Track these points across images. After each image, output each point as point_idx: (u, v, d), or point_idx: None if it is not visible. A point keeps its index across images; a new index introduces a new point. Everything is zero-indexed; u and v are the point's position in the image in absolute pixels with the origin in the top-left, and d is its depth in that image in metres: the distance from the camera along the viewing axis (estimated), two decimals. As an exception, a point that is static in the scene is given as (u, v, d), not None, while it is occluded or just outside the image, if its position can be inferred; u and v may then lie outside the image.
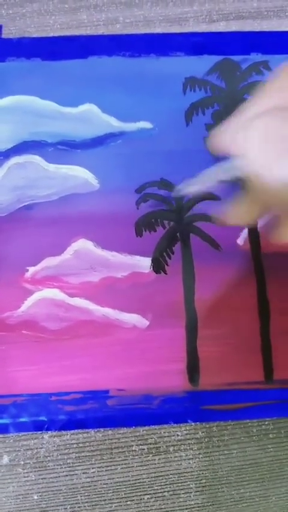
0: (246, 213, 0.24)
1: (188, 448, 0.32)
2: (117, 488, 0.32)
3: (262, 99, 0.21)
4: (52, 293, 0.34)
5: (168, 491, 0.32)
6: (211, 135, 0.23)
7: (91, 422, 0.32)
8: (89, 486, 0.32)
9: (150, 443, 0.32)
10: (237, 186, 0.24)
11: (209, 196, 0.36)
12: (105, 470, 0.32)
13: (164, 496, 0.32)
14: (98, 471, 0.32)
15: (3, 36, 0.39)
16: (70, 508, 0.32)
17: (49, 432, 0.32)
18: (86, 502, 0.32)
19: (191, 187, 0.24)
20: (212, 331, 0.34)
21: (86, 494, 0.32)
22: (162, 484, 0.32)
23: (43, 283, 0.34)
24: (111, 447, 0.32)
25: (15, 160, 0.36)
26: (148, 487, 0.32)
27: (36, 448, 0.32)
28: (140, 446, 0.32)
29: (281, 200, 0.19)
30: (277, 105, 0.20)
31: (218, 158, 0.24)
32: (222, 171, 0.22)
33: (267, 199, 0.20)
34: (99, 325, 0.33)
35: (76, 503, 0.32)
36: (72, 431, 0.32)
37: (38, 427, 0.32)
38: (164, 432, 0.33)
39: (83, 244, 0.35)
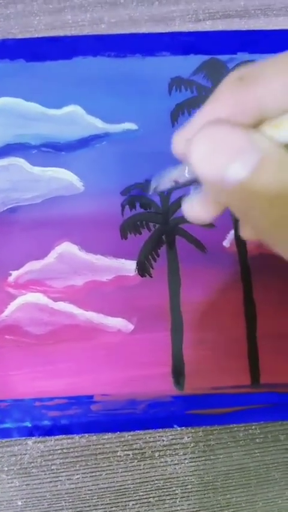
0: (202, 212, 0.24)
1: (174, 453, 0.32)
2: (102, 494, 0.32)
3: (210, 107, 0.21)
4: (36, 297, 0.33)
5: (153, 497, 0.32)
6: (173, 138, 0.23)
7: (75, 427, 0.32)
8: (74, 492, 0.32)
9: (136, 449, 0.32)
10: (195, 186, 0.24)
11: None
12: (90, 476, 0.32)
13: (150, 502, 0.32)
14: (82, 477, 0.32)
15: (-13, 37, 0.38)
16: (54, 514, 0.31)
17: (33, 438, 0.32)
18: (71, 508, 0.31)
19: (161, 186, 0.25)
20: (197, 335, 0.33)
21: (71, 500, 0.31)
22: (147, 490, 0.32)
23: (26, 287, 0.34)
24: (96, 453, 0.32)
25: (-2, 163, 0.35)
26: (133, 493, 0.32)
27: (20, 454, 0.32)
28: (125, 452, 0.32)
29: (233, 204, 0.19)
30: (228, 111, 0.20)
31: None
32: (182, 174, 0.23)
33: (220, 201, 0.21)
34: (84, 329, 0.33)
35: (60, 509, 0.31)
36: (56, 437, 0.32)
37: (22, 432, 0.32)
38: (150, 437, 0.32)
39: (67, 248, 0.34)
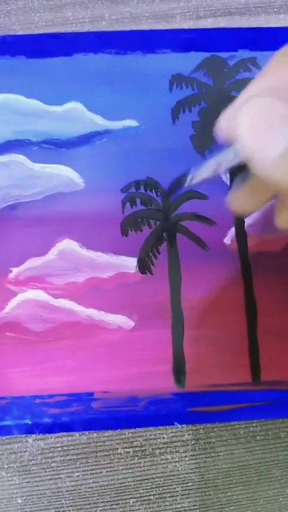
0: (250, 200, 0.24)
1: (174, 450, 0.32)
2: (102, 492, 0.31)
3: (259, 81, 0.21)
4: (36, 294, 0.33)
5: (154, 495, 0.32)
6: (217, 123, 0.23)
7: (76, 425, 0.32)
8: (74, 490, 0.31)
9: (136, 446, 0.32)
10: (241, 173, 0.24)
11: (196, 195, 0.35)
12: (90, 474, 0.32)
13: (150, 499, 0.32)
14: (82, 475, 0.32)
15: (-13, 34, 0.38)
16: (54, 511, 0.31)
17: (33, 435, 0.32)
18: (71, 506, 0.31)
19: (199, 176, 0.24)
20: (198, 332, 0.33)
21: (71, 498, 0.31)
22: (148, 487, 0.32)
23: (27, 284, 0.33)
24: (96, 450, 0.32)
25: (-2, 159, 0.35)
26: (134, 491, 0.32)
27: (20, 452, 0.32)
28: (126, 449, 0.32)
29: (278, 182, 0.19)
30: (274, 85, 0.20)
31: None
32: (224, 159, 0.22)
33: (266, 182, 0.20)
34: (84, 326, 0.33)
35: (61, 507, 0.31)
36: (56, 435, 0.32)
37: (22, 430, 0.32)
38: (150, 435, 0.32)
39: (67, 245, 0.34)
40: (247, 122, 0.18)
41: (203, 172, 0.24)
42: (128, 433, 0.32)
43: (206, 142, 0.36)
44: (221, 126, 0.22)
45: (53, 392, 0.32)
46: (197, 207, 0.35)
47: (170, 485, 0.32)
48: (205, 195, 0.35)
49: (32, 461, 0.32)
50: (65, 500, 0.31)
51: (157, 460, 0.32)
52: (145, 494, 0.32)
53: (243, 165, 0.22)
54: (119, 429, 0.32)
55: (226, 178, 0.35)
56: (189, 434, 0.32)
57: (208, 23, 0.39)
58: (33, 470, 0.32)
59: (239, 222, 0.35)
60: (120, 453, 0.32)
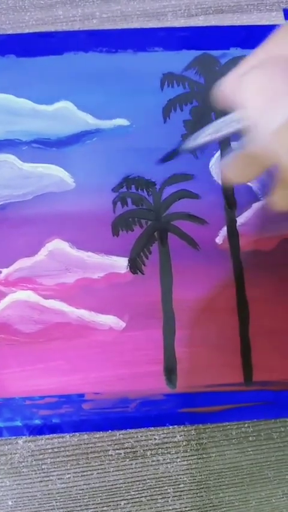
0: (245, 169, 0.23)
1: (166, 452, 0.32)
2: (93, 494, 0.31)
3: (262, 50, 0.21)
4: (26, 295, 0.33)
5: (145, 497, 0.31)
6: (215, 89, 0.22)
7: (66, 426, 0.32)
8: (65, 492, 0.31)
9: (127, 448, 0.32)
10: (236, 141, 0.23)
11: (188, 195, 0.35)
12: (81, 476, 0.31)
13: (141, 501, 0.31)
14: (73, 476, 0.31)
15: (-23, 33, 0.38)
16: (45, 514, 0.31)
17: (23, 437, 0.32)
18: (62, 508, 0.31)
19: (197, 140, 0.24)
20: (190, 332, 0.33)
21: (62, 500, 0.31)
22: (139, 489, 0.31)
23: (17, 285, 0.33)
24: (87, 452, 0.32)
25: (-12, 160, 0.35)
26: (125, 492, 0.31)
27: (11, 454, 0.31)
28: (117, 451, 0.32)
29: (276, 152, 0.19)
30: (278, 55, 0.19)
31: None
32: (224, 125, 0.22)
33: (264, 151, 0.20)
34: (75, 327, 0.33)
35: (51, 509, 0.31)
36: (47, 436, 0.32)
37: (12, 432, 0.31)
38: (141, 436, 0.32)
39: (58, 245, 0.34)
40: (252, 89, 0.18)
41: (200, 137, 0.23)
42: (119, 435, 0.32)
43: (197, 141, 0.36)
44: (222, 90, 0.22)
45: (44, 393, 0.32)
46: (189, 207, 0.35)
47: (162, 487, 0.31)
48: (197, 194, 0.35)
49: (23, 463, 0.31)
50: (56, 502, 0.31)
51: (148, 462, 0.32)
52: (136, 496, 0.31)
53: (240, 133, 0.21)
54: (110, 430, 0.32)
55: (218, 177, 0.35)
56: (181, 436, 0.32)
57: (200, 21, 0.39)
58: (23, 472, 0.31)
59: (230, 222, 0.35)
60: (112, 455, 0.32)
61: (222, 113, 0.35)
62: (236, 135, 0.23)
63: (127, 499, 0.31)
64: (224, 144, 0.36)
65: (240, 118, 0.21)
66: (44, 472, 0.31)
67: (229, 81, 0.21)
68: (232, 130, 0.21)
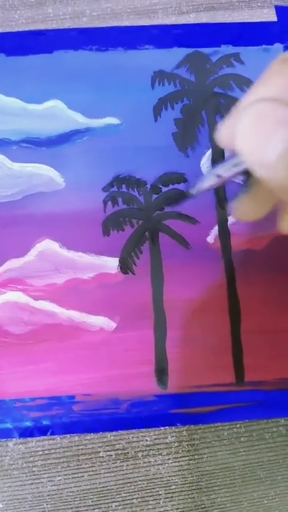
0: (253, 208, 0.24)
1: (157, 453, 0.32)
2: (84, 496, 0.31)
3: (255, 91, 0.21)
4: (15, 296, 0.33)
5: (136, 498, 0.31)
6: (216, 130, 0.23)
7: (57, 428, 0.31)
8: (55, 494, 0.31)
9: (118, 449, 0.32)
10: (243, 182, 0.24)
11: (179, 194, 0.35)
12: (72, 478, 0.31)
13: (133, 503, 0.31)
14: (64, 479, 0.31)
15: None
16: (36, 517, 0.31)
17: (14, 439, 0.31)
18: (52, 510, 0.31)
19: (202, 186, 0.24)
20: (181, 333, 0.33)
21: (52, 502, 0.31)
22: (130, 491, 0.31)
23: (6, 286, 0.33)
24: (78, 454, 0.31)
25: (-23, 159, 0.35)
26: (116, 494, 0.31)
27: (1, 456, 0.31)
28: (108, 453, 0.31)
29: (280, 185, 0.19)
30: (270, 92, 0.20)
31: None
32: (226, 170, 0.22)
33: (270, 188, 0.20)
34: (65, 328, 0.32)
35: (42, 511, 0.31)
36: (37, 438, 0.31)
37: (3, 434, 0.31)
38: (132, 437, 0.32)
39: (47, 245, 0.34)
40: (245, 127, 0.19)
41: (205, 182, 0.24)
42: (110, 436, 0.32)
43: (188, 139, 0.36)
44: (220, 134, 0.22)
45: (34, 395, 0.32)
46: (180, 206, 0.35)
47: (153, 489, 0.31)
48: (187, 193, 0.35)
49: (13, 466, 0.31)
50: (47, 504, 0.31)
51: (140, 463, 0.31)
52: (128, 498, 0.31)
53: (246, 174, 0.22)
54: (100, 432, 0.31)
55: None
56: (172, 437, 0.32)
57: (191, 19, 0.39)
58: (14, 474, 0.31)
59: (222, 221, 0.34)
60: (102, 456, 0.31)
61: (214, 112, 0.35)
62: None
63: (118, 501, 0.31)
64: (214, 142, 0.35)
65: (239, 162, 0.21)
66: (34, 475, 0.31)
67: (225, 126, 0.22)
68: (234, 173, 0.22)
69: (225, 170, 0.22)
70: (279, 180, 0.19)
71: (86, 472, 0.31)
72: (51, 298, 0.33)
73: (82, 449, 0.31)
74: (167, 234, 0.34)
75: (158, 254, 0.34)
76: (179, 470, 0.31)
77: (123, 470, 0.31)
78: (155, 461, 0.31)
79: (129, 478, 0.31)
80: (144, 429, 0.32)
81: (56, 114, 0.36)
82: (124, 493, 0.31)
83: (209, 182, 0.23)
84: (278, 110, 0.18)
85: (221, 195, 0.35)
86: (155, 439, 0.32)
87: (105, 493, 0.31)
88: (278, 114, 0.18)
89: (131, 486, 0.31)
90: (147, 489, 0.31)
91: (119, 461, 0.31)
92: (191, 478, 0.31)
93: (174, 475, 0.31)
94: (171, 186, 0.35)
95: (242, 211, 0.25)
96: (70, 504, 0.31)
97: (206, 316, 0.33)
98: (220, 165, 0.23)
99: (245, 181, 0.23)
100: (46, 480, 0.31)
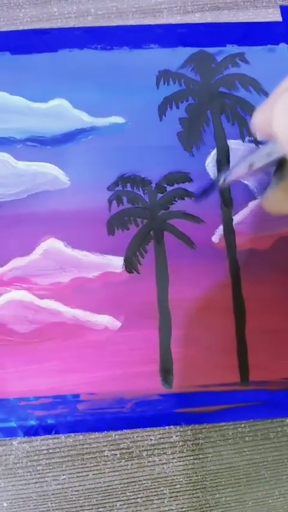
0: (286, 200, 0.23)
1: (162, 452, 0.32)
2: (88, 495, 0.31)
3: None
4: (20, 295, 0.33)
5: (141, 498, 0.31)
6: (251, 119, 0.22)
7: (62, 427, 0.31)
8: (60, 493, 0.31)
9: (123, 448, 0.32)
10: (276, 173, 0.23)
11: (183, 193, 0.35)
12: (76, 477, 0.31)
13: (137, 502, 0.31)
14: (68, 477, 0.31)
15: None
16: (40, 515, 0.31)
17: (18, 438, 0.31)
18: (57, 509, 0.31)
19: (231, 176, 0.23)
20: (186, 332, 0.33)
21: (57, 501, 0.31)
22: (135, 490, 0.31)
23: (11, 284, 0.33)
24: (83, 453, 0.31)
25: (-18, 158, 0.35)
26: (121, 493, 0.31)
27: (5, 455, 0.31)
28: (112, 452, 0.31)
29: None
30: None
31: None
32: (258, 159, 0.21)
33: None
34: (70, 327, 0.32)
35: (47, 510, 0.31)
36: (42, 437, 0.31)
37: (7, 433, 0.31)
38: (137, 436, 0.32)
39: (52, 244, 0.33)
40: (283, 115, 0.18)
41: (235, 171, 0.23)
42: (115, 435, 0.32)
43: (193, 139, 0.36)
44: (255, 122, 0.21)
45: (38, 394, 0.32)
46: (185, 205, 0.35)
47: (158, 488, 0.31)
48: (193, 193, 0.35)
49: (18, 464, 0.31)
50: (51, 503, 0.31)
51: (144, 462, 0.31)
52: (132, 497, 0.31)
53: (279, 164, 0.21)
54: (105, 431, 0.31)
55: (214, 176, 0.35)
56: (177, 436, 0.32)
57: (196, 18, 0.39)
58: (18, 473, 0.31)
59: (227, 220, 0.34)
60: (107, 455, 0.31)
61: (219, 111, 0.35)
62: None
63: (123, 500, 0.31)
64: (219, 142, 0.35)
65: (273, 151, 0.20)
66: (39, 473, 0.31)
67: (260, 112, 0.21)
68: (266, 162, 0.21)
69: (259, 159, 0.21)
70: None
71: (91, 471, 0.31)
72: (56, 297, 0.33)
73: (87, 448, 0.31)
74: (172, 233, 0.34)
75: (162, 253, 0.34)
76: (184, 470, 0.31)
77: (127, 469, 0.31)
78: (160, 460, 0.31)
79: (134, 477, 0.31)
80: (148, 428, 0.32)
81: (60, 112, 0.36)
82: (129, 492, 0.31)
83: (240, 171, 0.22)
84: None
85: (226, 195, 0.35)
86: (160, 438, 0.32)
87: (109, 492, 0.31)
88: None
89: (135, 485, 0.31)
90: (152, 488, 0.31)
91: (123, 461, 0.31)
92: (196, 478, 0.31)
93: (179, 474, 0.31)
94: (176, 186, 0.35)
95: (276, 204, 0.24)
96: (74, 503, 0.31)
97: (210, 316, 0.33)
98: (253, 154, 0.22)
99: (278, 172, 0.22)
100: (51, 479, 0.31)
